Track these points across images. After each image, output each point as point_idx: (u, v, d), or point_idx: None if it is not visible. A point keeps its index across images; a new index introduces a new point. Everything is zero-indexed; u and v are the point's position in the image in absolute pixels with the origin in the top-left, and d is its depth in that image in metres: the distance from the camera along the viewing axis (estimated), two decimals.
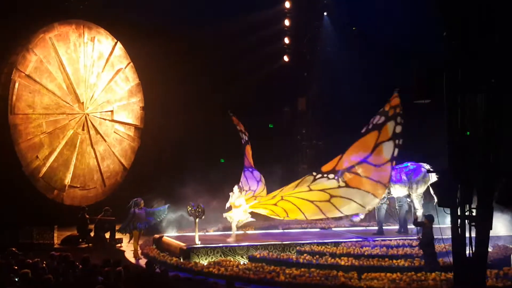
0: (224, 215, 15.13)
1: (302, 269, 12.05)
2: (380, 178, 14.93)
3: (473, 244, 9.17)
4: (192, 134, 21.01)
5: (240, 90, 21.41)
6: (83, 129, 20.09)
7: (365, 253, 13.36)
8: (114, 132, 21.12)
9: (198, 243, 13.91)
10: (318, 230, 17.51)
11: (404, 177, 15.62)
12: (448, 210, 9.40)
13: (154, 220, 15.03)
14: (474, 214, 9.17)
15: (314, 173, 15.48)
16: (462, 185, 9.23)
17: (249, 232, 16.29)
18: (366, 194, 14.90)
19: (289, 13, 22.96)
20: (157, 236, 15.50)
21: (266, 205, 15.32)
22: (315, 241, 14.49)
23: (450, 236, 9.47)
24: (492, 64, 9.22)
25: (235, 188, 15.02)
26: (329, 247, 13.99)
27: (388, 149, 15.05)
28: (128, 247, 15.56)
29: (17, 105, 18.27)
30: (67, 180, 19.55)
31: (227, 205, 14.99)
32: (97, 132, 20.54)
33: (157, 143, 21.47)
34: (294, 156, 23.82)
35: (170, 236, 15.41)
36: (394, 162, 15.12)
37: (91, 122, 20.34)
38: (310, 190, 15.09)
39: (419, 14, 17.06)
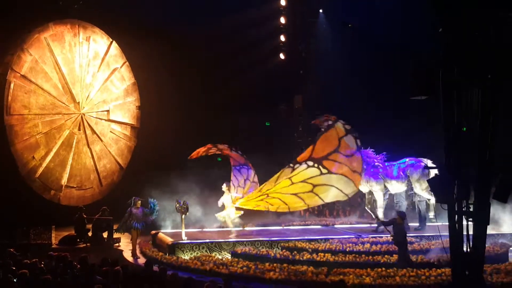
0: (216, 215, 15.53)
1: (275, 264, 12.12)
2: (354, 167, 14.89)
3: (471, 239, 9.18)
4: (188, 133, 20.97)
5: (236, 88, 21.40)
6: (79, 129, 20.03)
7: (347, 250, 13.33)
8: (110, 131, 21.07)
9: (184, 239, 14.36)
10: (319, 227, 17.52)
11: (401, 173, 15.61)
12: (445, 206, 9.43)
13: (151, 219, 15.03)
14: (471, 209, 9.20)
15: (291, 165, 15.33)
16: (459, 181, 9.26)
17: (247, 228, 16.41)
18: (347, 180, 14.85)
19: (284, 11, 23.00)
20: (153, 232, 15.71)
21: (253, 201, 15.33)
22: (301, 237, 14.61)
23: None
24: (487, 60, 9.22)
25: (223, 186, 15.73)
26: (313, 243, 13.96)
27: (350, 142, 15.03)
28: (126, 246, 15.61)
29: (13, 105, 18.18)
30: (64, 180, 19.50)
31: (219, 203, 15.67)
32: (93, 132, 20.49)
33: (153, 142, 21.41)
34: (291, 154, 23.79)
35: (165, 232, 15.65)
36: (361, 148, 15.08)
37: (87, 122, 20.28)
38: (293, 183, 14.92)
39: (415, 11, 17.09)
